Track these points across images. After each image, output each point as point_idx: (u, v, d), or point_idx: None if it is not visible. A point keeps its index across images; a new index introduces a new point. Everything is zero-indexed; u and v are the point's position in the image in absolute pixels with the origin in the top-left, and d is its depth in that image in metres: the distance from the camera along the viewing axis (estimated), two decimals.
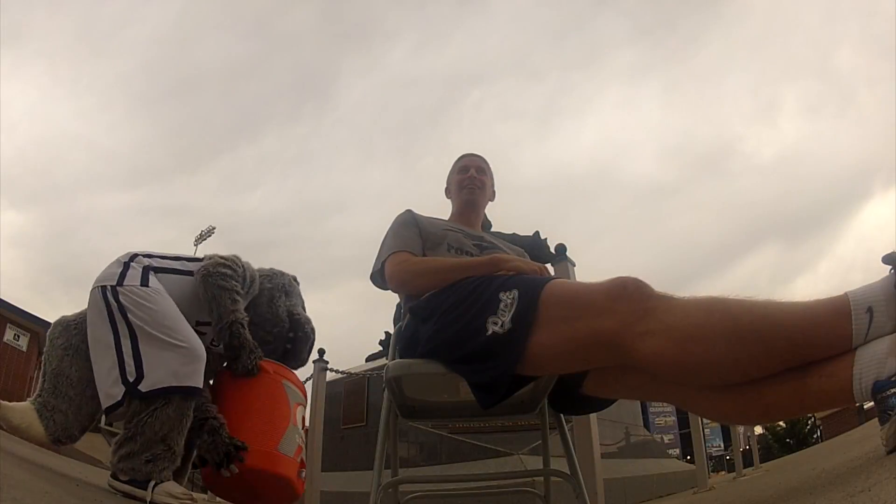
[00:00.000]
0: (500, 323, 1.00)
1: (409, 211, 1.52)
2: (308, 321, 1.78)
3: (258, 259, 2.09)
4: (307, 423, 1.63)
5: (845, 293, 0.82)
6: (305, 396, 1.68)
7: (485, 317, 1.03)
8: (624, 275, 0.96)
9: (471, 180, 1.61)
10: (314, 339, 1.80)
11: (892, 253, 0.80)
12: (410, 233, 1.42)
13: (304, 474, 1.54)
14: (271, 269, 1.81)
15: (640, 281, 0.94)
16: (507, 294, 1.03)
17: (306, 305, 1.83)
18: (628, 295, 0.92)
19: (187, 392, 1.39)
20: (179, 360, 1.41)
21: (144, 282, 1.50)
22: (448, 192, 1.69)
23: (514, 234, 1.85)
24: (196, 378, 1.42)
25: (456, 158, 1.72)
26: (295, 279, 1.84)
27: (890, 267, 0.81)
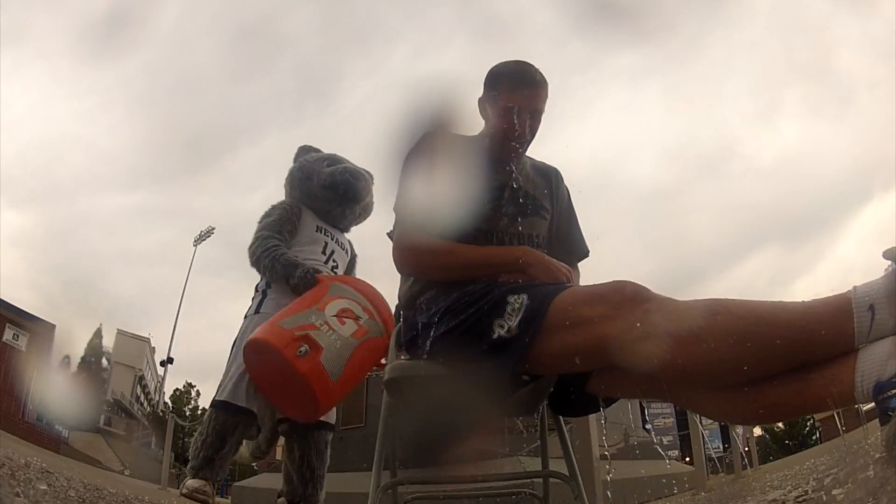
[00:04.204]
0: (506, 327, 1.00)
1: (428, 137, 1.25)
2: (336, 171, 2.04)
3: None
4: (356, 315, 1.52)
5: (847, 291, 0.82)
6: (365, 294, 1.62)
7: (492, 319, 1.03)
8: (622, 278, 0.96)
9: (520, 134, 1.21)
10: (345, 178, 2.02)
11: (893, 248, 0.80)
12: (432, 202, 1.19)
13: (303, 350, 1.43)
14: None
15: (638, 285, 0.95)
16: (516, 298, 1.02)
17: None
18: (627, 299, 0.92)
19: (222, 407, 1.73)
20: (229, 375, 1.78)
21: (258, 309, 1.88)
22: (484, 113, 1.30)
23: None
24: (237, 397, 1.72)
25: (504, 75, 1.25)
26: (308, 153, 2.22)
27: (889, 262, 0.80)
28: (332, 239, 2.03)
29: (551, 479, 1.37)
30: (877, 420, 0.78)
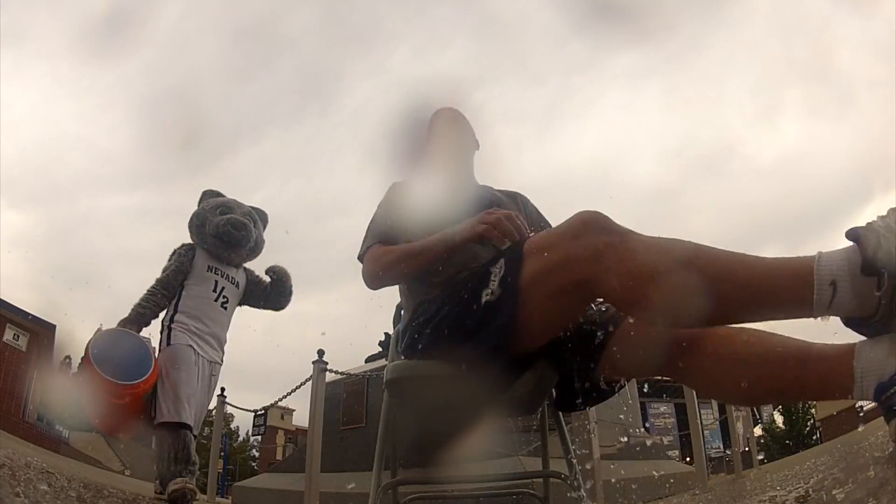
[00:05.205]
0: (490, 291, 1.02)
1: (395, 186, 1.43)
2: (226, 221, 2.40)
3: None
4: None
5: (811, 257, 0.80)
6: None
7: (479, 292, 1.04)
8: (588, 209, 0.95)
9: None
10: (228, 230, 2.40)
11: (854, 228, 0.78)
12: (391, 219, 1.33)
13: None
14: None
15: (601, 214, 0.93)
16: (496, 266, 1.05)
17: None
18: (591, 231, 0.91)
19: (190, 427, 2.09)
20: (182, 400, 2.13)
21: (168, 341, 2.25)
22: (430, 142, 1.55)
23: None
24: (182, 415, 2.07)
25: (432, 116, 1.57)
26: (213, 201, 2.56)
27: (851, 243, 0.79)
28: (223, 276, 2.43)
29: (551, 479, 1.38)
30: (875, 421, 0.78)
